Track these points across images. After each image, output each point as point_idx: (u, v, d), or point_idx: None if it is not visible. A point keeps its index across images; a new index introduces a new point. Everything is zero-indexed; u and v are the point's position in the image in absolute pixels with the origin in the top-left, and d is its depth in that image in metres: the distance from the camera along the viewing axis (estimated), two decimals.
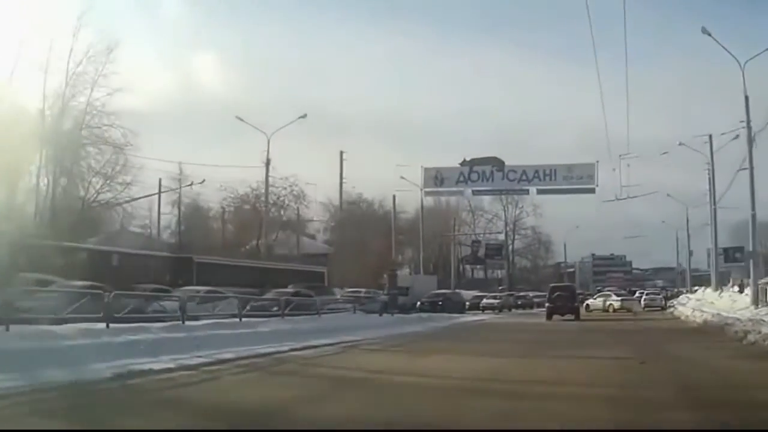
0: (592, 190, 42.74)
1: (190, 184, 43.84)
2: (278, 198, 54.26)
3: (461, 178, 44.73)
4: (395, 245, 51.79)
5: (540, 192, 44.87)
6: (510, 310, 46.09)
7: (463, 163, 44.36)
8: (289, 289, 27.11)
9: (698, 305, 32.62)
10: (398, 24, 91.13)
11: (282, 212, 55.29)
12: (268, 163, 43.51)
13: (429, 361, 11.95)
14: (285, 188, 53.21)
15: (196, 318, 16.68)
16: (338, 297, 32.19)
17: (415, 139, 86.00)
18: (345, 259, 48.86)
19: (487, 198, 75.96)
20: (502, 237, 77.49)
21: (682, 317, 28.84)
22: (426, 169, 45.25)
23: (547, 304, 30.35)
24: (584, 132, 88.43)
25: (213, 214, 55.04)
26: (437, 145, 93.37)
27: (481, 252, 74.28)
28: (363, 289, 37.47)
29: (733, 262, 75.84)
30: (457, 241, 71.31)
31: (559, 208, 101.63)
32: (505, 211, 79.94)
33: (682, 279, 76.61)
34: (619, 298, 41.52)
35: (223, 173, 44.76)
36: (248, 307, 20.27)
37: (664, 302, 43.47)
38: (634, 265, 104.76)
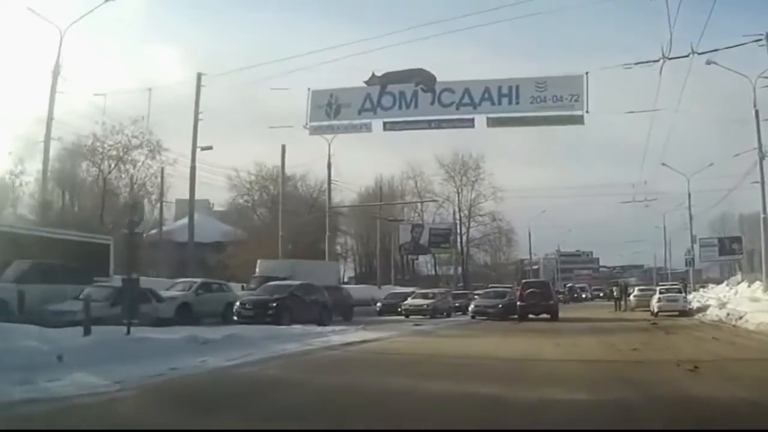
0: (579, 119, 25.18)
1: None
2: (125, 149, 38.41)
3: (368, 105, 27.35)
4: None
5: (493, 123, 26.15)
6: (448, 315, 29.72)
7: (371, 81, 27.25)
8: None
9: None
10: None
11: (134, 170, 40.39)
12: (56, 71, 25.72)
13: None
14: (136, 137, 37.91)
15: None
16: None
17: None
18: (259, 246, 38.44)
19: (437, 178, 64.22)
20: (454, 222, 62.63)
21: None
22: (314, 93, 27.94)
23: (519, 303, 26.35)
24: None
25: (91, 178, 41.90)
26: None
27: (424, 239, 58.40)
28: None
29: (729, 255, 63.09)
30: (390, 217, 55.83)
31: (522, 192, 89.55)
32: (458, 192, 65.97)
33: (662, 277, 65.09)
34: None
35: None
36: None
37: (687, 305, 27.27)
38: (601, 263, 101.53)
